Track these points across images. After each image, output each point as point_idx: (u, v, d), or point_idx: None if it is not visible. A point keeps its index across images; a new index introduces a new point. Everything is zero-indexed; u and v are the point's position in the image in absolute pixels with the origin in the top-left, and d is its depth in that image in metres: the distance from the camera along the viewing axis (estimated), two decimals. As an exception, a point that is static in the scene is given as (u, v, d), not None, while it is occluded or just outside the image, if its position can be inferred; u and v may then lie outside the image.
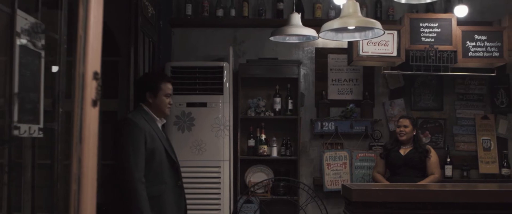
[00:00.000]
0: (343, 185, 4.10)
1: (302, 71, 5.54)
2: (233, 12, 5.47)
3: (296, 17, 3.89)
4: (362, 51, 4.60)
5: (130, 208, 2.73)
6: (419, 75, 5.38)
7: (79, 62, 1.38)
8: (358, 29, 3.20)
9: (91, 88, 1.39)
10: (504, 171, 5.39)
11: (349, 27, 3.10)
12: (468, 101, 5.56)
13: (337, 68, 5.50)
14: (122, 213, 2.82)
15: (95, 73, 1.39)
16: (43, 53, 1.72)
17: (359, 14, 3.06)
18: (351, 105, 5.40)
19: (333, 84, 5.53)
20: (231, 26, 5.52)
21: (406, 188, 3.96)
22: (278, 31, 3.94)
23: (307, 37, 3.87)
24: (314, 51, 5.56)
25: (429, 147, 4.74)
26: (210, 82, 4.99)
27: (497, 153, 5.47)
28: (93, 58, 1.39)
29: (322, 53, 5.54)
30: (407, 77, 5.44)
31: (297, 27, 3.80)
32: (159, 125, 3.09)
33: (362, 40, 4.44)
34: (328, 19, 5.27)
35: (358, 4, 3.09)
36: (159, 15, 4.99)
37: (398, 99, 5.51)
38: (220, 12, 5.45)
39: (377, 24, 3.05)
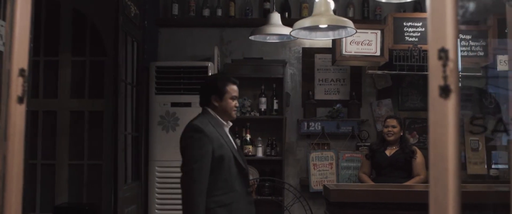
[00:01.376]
0: (324, 186, 4.08)
1: (289, 71, 5.51)
2: (219, 12, 5.46)
3: (276, 17, 3.87)
4: (345, 51, 4.57)
5: None
6: (406, 75, 5.34)
7: (5, 59, 1.36)
8: (333, 28, 3.17)
9: (17, 85, 1.37)
10: (493, 171, 5.34)
11: (320, 26, 3.08)
12: (457, 102, 5.51)
13: (324, 68, 5.47)
14: None
15: (22, 70, 1.36)
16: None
17: (331, 12, 3.04)
18: (338, 105, 5.37)
19: (320, 84, 5.50)
20: (218, 26, 5.51)
21: (384, 188, 3.93)
22: (257, 31, 3.93)
23: (287, 36, 3.84)
24: (301, 51, 5.53)
25: (415, 147, 4.70)
26: (195, 82, 4.98)
27: (485, 154, 5.43)
28: (19, 54, 1.36)
29: (309, 53, 5.51)
30: (395, 77, 5.40)
31: (276, 26, 3.78)
32: (226, 129, 2.98)
33: (345, 38, 4.42)
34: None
35: (331, 2, 3.06)
36: (144, 15, 4.99)
37: (385, 99, 5.48)
38: (206, 12, 5.43)
39: (349, 23, 3.03)
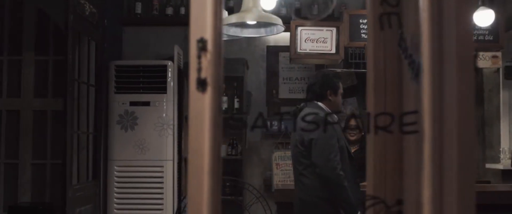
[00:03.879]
0: (272, 186, 4.03)
1: (253, 69, 5.46)
2: (183, 11, 5.42)
3: (232, 16, 3.82)
4: (300, 49, 4.51)
5: (340, 202, 2.92)
6: (372, 74, 5.26)
7: None
8: (265, 24, 3.12)
9: None
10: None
11: (248, 22, 3.02)
12: (423, 100, 5.43)
13: (288, 67, 5.42)
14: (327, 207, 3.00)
15: None
16: None
17: (260, 8, 2.98)
18: (302, 104, 5.29)
19: (284, 83, 5.45)
20: (182, 24, 5.47)
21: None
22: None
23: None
24: (265, 50, 5.48)
25: (375, 146, 4.63)
26: (154, 81, 4.94)
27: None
28: None
29: (273, 51, 5.46)
30: (360, 76, 5.33)
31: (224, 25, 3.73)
32: None
33: (300, 35, 4.36)
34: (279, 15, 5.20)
35: (261, -2, 3.01)
36: (104, 14, 4.96)
37: (350, 98, 5.41)
38: (169, 11, 5.40)
39: (277, 20, 2.97)
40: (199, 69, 0.93)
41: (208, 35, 0.94)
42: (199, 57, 0.93)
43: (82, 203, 4.42)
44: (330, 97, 3.20)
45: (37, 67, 5.26)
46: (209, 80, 0.93)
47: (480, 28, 4.45)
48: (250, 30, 3.16)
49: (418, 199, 0.89)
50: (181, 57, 5.27)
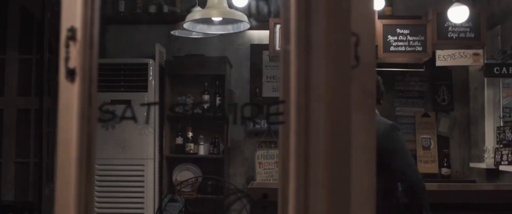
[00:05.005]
0: (248, 184, 4.01)
1: (237, 68, 5.43)
2: (166, 9, 5.40)
3: (196, 12, 3.79)
4: (278, 47, 4.47)
5: (423, 204, 2.95)
6: (356, 72, 5.22)
7: None
8: (232, 21, 3.09)
9: None
10: (444, 170, 5.21)
11: (213, 19, 3.00)
12: (408, 99, 5.39)
13: (272, 65, 5.38)
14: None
15: None
16: None
17: (225, 4, 2.96)
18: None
19: (268, 82, 5.41)
20: (165, 22, 5.43)
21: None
22: (178, 26, 3.87)
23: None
24: (249, 48, 5.45)
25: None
26: (135, 80, 4.93)
27: (437, 152, 5.29)
28: None
29: (257, 50, 5.42)
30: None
31: (197, 22, 3.71)
32: None
33: (278, 33, 4.33)
34: (260, 13, 5.18)
35: (226, -5, 2.99)
36: (85, 12, 4.94)
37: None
38: (152, 9, 5.38)
39: (242, 16, 2.95)
40: (67, 59, 0.90)
41: (78, 24, 0.91)
42: (67, 46, 0.90)
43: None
44: (381, 102, 3.15)
45: (21, 66, 5.26)
46: (78, 70, 0.91)
47: (461, 25, 4.40)
48: (217, 26, 3.14)
49: (284, 192, 0.86)
50: (164, 55, 5.25)
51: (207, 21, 3.08)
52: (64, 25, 0.91)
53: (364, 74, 1.01)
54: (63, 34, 0.91)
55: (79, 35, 0.91)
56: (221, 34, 4.03)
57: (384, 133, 2.87)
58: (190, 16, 2.96)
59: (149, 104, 4.24)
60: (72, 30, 0.91)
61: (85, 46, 0.90)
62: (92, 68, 0.93)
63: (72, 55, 0.90)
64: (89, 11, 0.92)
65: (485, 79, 4.86)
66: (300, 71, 0.85)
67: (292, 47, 0.86)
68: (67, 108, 0.90)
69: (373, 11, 1.03)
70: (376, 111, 3.10)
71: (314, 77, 0.85)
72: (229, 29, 3.14)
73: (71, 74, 0.90)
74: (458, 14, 4.07)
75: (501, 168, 4.43)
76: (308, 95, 0.85)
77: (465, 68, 5.20)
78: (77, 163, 0.89)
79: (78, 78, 0.90)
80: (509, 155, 4.37)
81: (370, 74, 1.03)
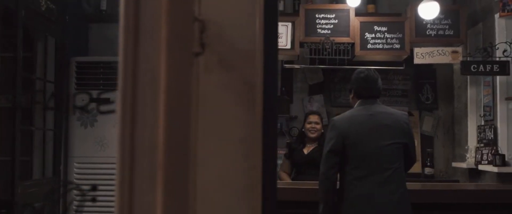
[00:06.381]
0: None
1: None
2: (148, 7, 5.38)
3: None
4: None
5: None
6: (339, 70, 5.18)
7: None
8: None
9: None
10: (427, 170, 5.15)
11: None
12: (392, 97, 5.33)
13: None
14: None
15: None
16: None
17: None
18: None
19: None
20: (148, 21, 5.43)
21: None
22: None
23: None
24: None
25: (334, 143, 4.54)
26: (115, 78, 4.91)
27: (421, 152, 5.23)
28: None
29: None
30: (327, 73, 5.24)
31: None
32: None
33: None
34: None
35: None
36: (65, 10, 4.95)
37: (317, 95, 5.32)
38: (134, 7, 5.36)
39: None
40: None
41: None
42: None
43: (37, 199, 4.40)
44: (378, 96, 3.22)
45: (5, 64, 5.26)
46: None
47: (440, 23, 4.34)
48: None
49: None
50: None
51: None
52: None
53: (242, 64, 0.98)
54: None
55: None
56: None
57: (409, 125, 3.11)
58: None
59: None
60: None
61: None
62: None
63: None
64: None
65: (468, 77, 4.80)
66: (126, 58, 0.82)
67: (121, 36, 0.83)
68: None
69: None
70: (377, 105, 3.13)
71: (142, 65, 0.82)
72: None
73: None
74: (429, 11, 4.01)
75: (480, 167, 4.37)
76: (136, 84, 0.82)
77: (449, 66, 5.13)
78: None
79: None
80: (489, 155, 4.30)
81: (250, 64, 1.00)
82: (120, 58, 0.83)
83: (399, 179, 3.03)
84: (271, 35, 1.30)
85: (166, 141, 0.83)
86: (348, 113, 3.17)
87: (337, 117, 3.18)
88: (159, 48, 0.82)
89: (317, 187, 3.19)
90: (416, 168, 5.24)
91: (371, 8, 5.04)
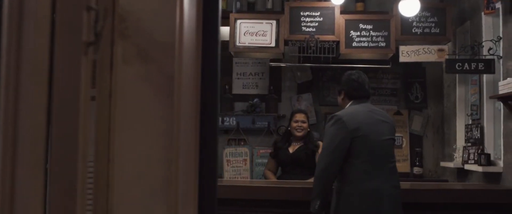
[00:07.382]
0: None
1: (207, 65, 5.38)
2: (136, 5, 5.37)
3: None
4: (239, 42, 4.41)
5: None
6: (328, 69, 5.15)
7: None
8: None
9: None
10: (416, 169, 5.10)
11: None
12: (381, 96, 5.29)
13: (242, 62, 5.32)
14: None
15: None
16: None
17: None
18: (255, 100, 5.21)
19: (238, 78, 5.36)
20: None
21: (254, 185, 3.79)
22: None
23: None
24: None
25: (320, 142, 4.51)
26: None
27: (409, 151, 5.18)
28: None
29: (226, 46, 5.36)
30: (315, 71, 5.21)
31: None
32: None
33: (239, 29, 4.27)
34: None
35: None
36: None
37: (305, 94, 5.29)
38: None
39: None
40: None
41: None
42: None
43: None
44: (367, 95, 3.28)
45: None
46: None
47: (426, 21, 4.29)
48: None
49: None
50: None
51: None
52: None
53: (161, 56, 0.96)
54: None
55: None
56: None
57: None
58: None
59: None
60: None
61: None
62: None
63: None
64: None
65: (457, 76, 4.75)
66: (10, 45, 0.79)
67: (3, 19, 0.80)
68: None
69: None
70: (370, 104, 3.23)
71: (26, 53, 0.79)
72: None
73: None
74: (410, 8, 3.97)
75: (466, 167, 4.32)
76: (19, 72, 0.79)
77: (439, 65, 5.09)
78: None
79: None
80: (476, 154, 4.25)
81: (168, 56, 0.97)
82: (3, 47, 0.80)
83: (396, 173, 3.16)
84: (211, 29, 1.26)
85: (51, 130, 0.80)
86: (349, 109, 3.18)
87: (340, 112, 3.17)
88: (44, 35, 0.80)
89: (311, 184, 3.16)
90: (404, 167, 5.20)
91: (359, 6, 5.00)
